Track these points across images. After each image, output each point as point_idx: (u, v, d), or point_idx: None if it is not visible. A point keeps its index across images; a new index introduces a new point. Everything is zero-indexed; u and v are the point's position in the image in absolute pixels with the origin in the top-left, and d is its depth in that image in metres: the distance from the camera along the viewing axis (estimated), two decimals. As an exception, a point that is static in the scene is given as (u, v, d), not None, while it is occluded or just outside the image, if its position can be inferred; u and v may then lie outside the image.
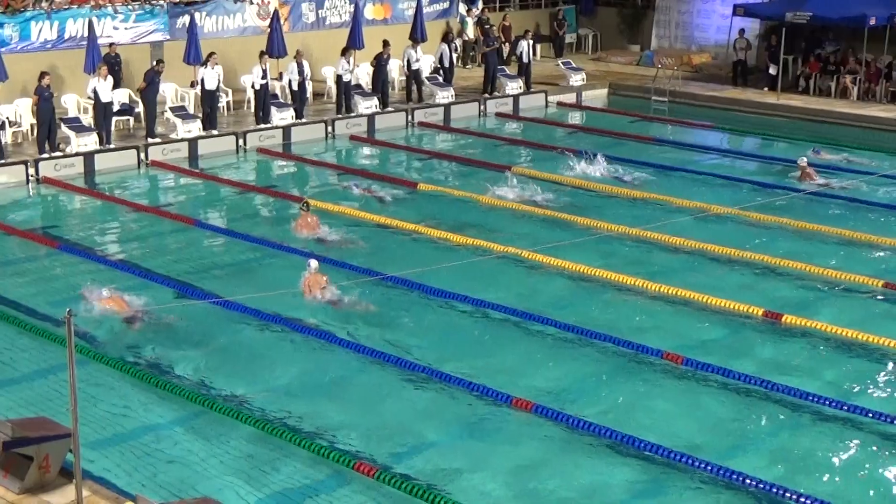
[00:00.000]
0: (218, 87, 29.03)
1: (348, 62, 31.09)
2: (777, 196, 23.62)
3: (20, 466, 11.73)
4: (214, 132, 28.65)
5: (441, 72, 34.12)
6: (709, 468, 13.00)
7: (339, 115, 30.95)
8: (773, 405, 14.86)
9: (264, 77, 29.44)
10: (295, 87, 30.33)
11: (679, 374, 15.72)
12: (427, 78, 33.46)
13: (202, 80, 28.63)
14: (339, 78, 31.20)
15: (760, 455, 13.74)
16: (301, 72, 30.17)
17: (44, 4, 30.08)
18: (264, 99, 29.60)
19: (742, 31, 36.68)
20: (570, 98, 35.66)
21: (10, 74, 27.26)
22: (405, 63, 33.09)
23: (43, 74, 26.14)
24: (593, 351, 16.48)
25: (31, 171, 25.40)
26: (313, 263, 18.33)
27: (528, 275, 19.71)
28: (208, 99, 28.74)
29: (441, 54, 34.20)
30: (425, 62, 33.93)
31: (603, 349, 16.49)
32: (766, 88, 35.28)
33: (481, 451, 13.74)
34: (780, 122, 32.52)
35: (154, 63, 28.82)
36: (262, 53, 29.98)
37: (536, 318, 17.40)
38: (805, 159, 26.20)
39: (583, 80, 36.54)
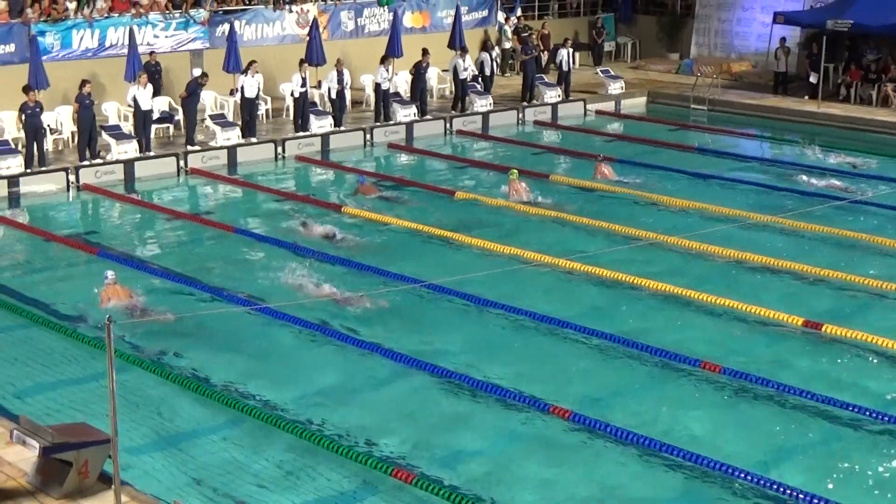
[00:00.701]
0: (258, 95, 29.17)
1: (387, 70, 31.16)
2: (816, 205, 23.44)
3: (59, 472, 11.79)
4: (253, 140, 28.77)
5: (482, 80, 34.12)
6: (746, 477, 12.91)
7: (378, 123, 31.00)
8: (812, 416, 14.74)
9: (303, 85, 29.55)
10: (334, 96, 30.44)
11: (717, 383, 15.62)
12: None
13: (242, 88, 28.76)
14: (377, 86, 31.28)
15: (798, 465, 13.64)
16: (341, 81, 30.28)
17: (85, 12, 30.31)
18: (303, 107, 29.71)
19: (783, 39, 36.46)
20: (608, 106, 35.58)
21: (52, 82, 27.47)
22: (452, 72, 33.08)
23: (84, 83, 26.34)
24: (631, 360, 16.41)
25: (72, 177, 25.57)
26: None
27: (565, 283, 19.65)
28: (248, 107, 28.86)
29: (482, 63, 34.21)
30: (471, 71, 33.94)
31: (640, 358, 16.41)
32: (806, 97, 35.06)
33: (518, 459, 13.71)
34: (820, 130, 32.29)
35: (199, 76, 29.00)
36: (301, 61, 30.10)
37: (573, 326, 17.34)
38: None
39: (621, 88, 36.47)
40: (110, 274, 18.23)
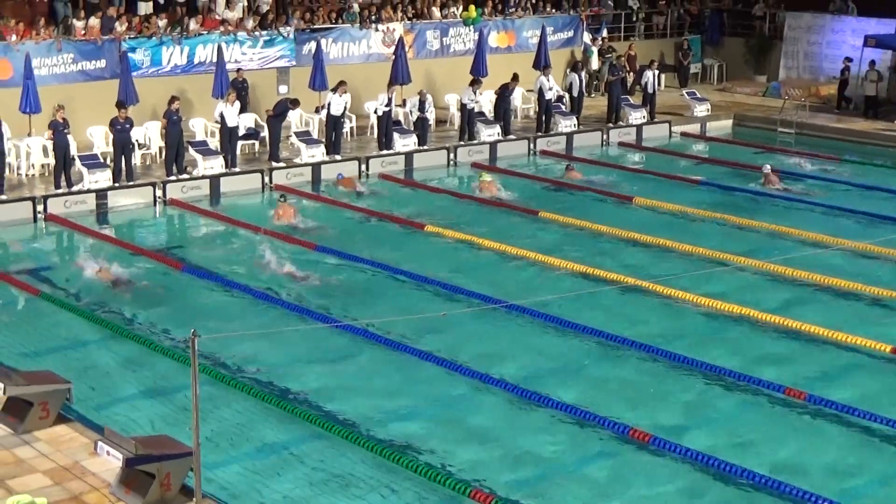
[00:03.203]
0: (343, 113, 29.35)
1: (475, 93, 31.22)
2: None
3: (142, 483, 11.90)
4: (338, 157, 28.93)
5: (570, 101, 33.98)
6: (830, 506, 12.74)
7: (462, 143, 31.04)
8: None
9: (388, 104, 29.67)
10: (414, 120, 30.62)
11: (802, 410, 15.39)
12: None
13: (329, 105, 28.98)
14: (462, 106, 31.33)
15: (885, 497, 13.39)
16: (423, 109, 30.39)
17: (174, 34, 30.69)
18: (387, 125, 29.82)
19: (872, 62, 35.96)
20: (694, 128, 35.29)
21: (141, 98, 27.89)
22: (538, 92, 33.02)
23: (173, 99, 26.68)
24: (713, 384, 16.25)
25: (159, 192, 25.89)
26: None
27: (644, 305, 19.51)
28: (333, 124, 29.06)
29: (571, 83, 34.08)
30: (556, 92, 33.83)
31: (723, 382, 16.24)
32: (896, 121, 34.61)
33: (597, 481, 13.62)
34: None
35: (290, 99, 29.25)
36: (390, 82, 30.31)
37: (652, 349, 17.21)
38: (769, 166, 28.24)
39: (707, 110, 36.18)
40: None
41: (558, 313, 18.44)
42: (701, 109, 36.05)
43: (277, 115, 28.43)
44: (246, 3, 32.99)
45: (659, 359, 17.02)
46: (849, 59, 36.95)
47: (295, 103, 29.28)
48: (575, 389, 15.99)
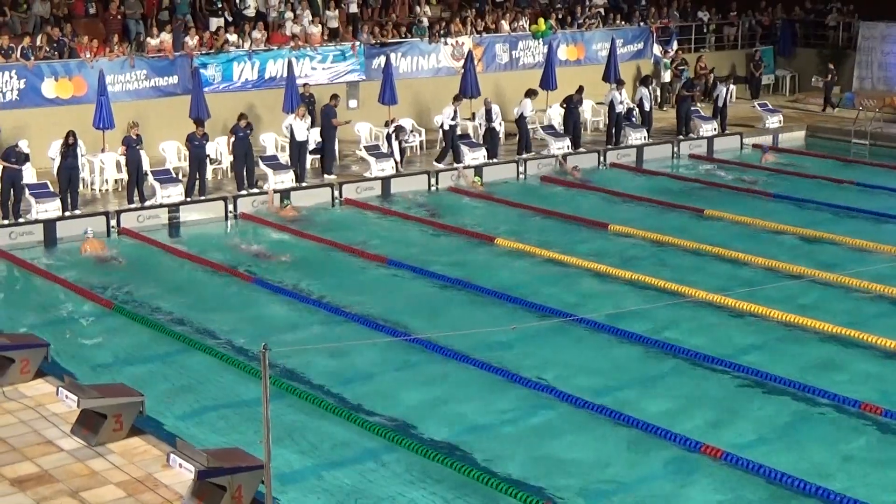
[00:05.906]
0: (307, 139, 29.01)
1: (530, 104, 31.13)
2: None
3: (214, 496, 11.96)
4: (401, 169, 28.99)
5: (640, 115, 33.78)
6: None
7: (532, 155, 30.95)
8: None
9: (454, 117, 29.65)
10: (482, 133, 30.61)
11: (878, 426, 15.14)
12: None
13: (291, 130, 28.38)
14: (520, 117, 31.14)
15: None
16: (490, 119, 30.36)
17: (245, 45, 30.98)
18: (453, 138, 29.76)
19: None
20: (766, 140, 34.92)
21: (212, 113, 28.11)
22: (608, 105, 32.87)
23: (241, 116, 26.84)
24: (788, 399, 16.03)
25: (230, 206, 26.07)
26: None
27: (715, 319, 19.32)
28: (296, 149, 28.43)
29: (641, 98, 33.85)
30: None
31: (797, 397, 16.02)
32: (972, 132, 34.05)
33: (669, 497, 13.46)
34: None
35: (330, 98, 29.14)
36: (456, 96, 30.31)
37: (727, 363, 17.03)
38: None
39: (779, 122, 35.82)
40: (90, 230, 23.52)
41: (629, 327, 18.32)
42: (773, 121, 35.71)
43: (326, 120, 28.39)
44: (313, 18, 33.12)
45: (732, 372, 16.83)
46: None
47: (334, 98, 29.07)
48: (647, 404, 15.85)
